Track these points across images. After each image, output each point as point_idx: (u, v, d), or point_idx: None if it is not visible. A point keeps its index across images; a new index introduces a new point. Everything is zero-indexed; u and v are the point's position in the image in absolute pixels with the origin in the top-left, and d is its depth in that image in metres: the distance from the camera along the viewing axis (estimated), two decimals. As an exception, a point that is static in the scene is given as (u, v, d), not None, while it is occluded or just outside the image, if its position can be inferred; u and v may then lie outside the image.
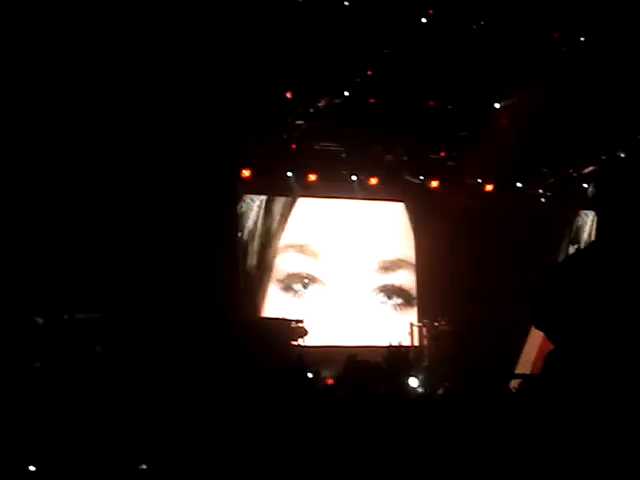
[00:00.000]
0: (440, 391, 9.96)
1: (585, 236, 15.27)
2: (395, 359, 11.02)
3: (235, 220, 12.90)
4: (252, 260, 13.19)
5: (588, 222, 15.33)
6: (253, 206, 13.19)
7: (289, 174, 13.16)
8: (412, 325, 13.29)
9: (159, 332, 10.36)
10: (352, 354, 10.38)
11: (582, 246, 15.08)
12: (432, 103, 12.43)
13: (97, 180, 10.77)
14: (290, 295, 13.41)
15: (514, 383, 8.83)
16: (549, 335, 2.82)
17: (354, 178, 13.46)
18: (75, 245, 10.67)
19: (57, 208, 10.52)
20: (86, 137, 10.61)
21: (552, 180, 14.11)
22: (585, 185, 14.03)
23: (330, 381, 9.89)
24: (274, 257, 13.34)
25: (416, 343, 13.03)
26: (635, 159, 2.83)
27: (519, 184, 14.11)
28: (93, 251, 10.74)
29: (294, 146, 12.75)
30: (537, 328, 2.89)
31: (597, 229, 2.81)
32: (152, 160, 11.08)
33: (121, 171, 10.90)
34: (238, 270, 12.77)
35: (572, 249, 15.05)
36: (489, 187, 13.92)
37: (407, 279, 13.97)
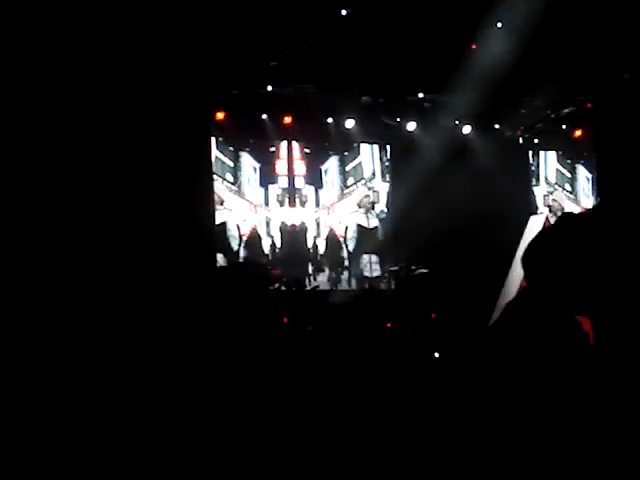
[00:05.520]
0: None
1: (545, 174, 15.19)
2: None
3: (210, 163, 12.62)
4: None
5: (551, 161, 15.26)
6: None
7: (264, 116, 12.96)
8: (388, 268, 13.24)
9: (133, 277, 10.23)
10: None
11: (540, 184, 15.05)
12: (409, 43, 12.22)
13: (68, 123, 10.48)
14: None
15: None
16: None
17: (330, 120, 13.29)
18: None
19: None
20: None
21: (530, 121, 14.01)
22: (564, 127, 13.98)
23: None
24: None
25: (392, 287, 12.99)
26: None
27: (497, 125, 14.02)
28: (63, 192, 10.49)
29: (269, 88, 12.50)
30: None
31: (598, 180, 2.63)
32: (124, 103, 10.80)
33: (92, 115, 10.62)
34: (214, 215, 12.53)
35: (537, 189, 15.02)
36: (466, 129, 13.81)
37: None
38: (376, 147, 13.89)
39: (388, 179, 13.87)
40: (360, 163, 13.73)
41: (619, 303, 2.28)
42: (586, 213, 2.57)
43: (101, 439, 6.05)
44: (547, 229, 2.54)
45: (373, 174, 13.81)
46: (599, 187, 2.96)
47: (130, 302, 9.65)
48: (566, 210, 14.89)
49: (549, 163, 15.21)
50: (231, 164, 12.93)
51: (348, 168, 13.64)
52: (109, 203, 10.45)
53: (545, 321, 2.45)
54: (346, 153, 13.63)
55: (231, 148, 12.94)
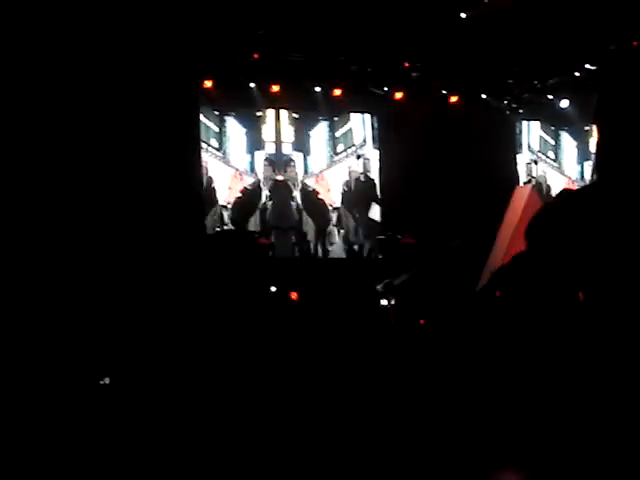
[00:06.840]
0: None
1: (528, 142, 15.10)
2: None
3: (197, 131, 12.50)
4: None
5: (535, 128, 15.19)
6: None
7: (251, 85, 12.89)
8: (375, 237, 13.27)
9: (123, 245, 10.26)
10: None
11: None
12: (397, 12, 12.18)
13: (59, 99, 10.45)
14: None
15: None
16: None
17: (318, 89, 13.24)
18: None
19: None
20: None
21: (517, 91, 14.03)
22: (550, 97, 14.01)
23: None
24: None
25: (378, 255, 13.04)
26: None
27: (484, 95, 14.02)
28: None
29: (256, 56, 12.43)
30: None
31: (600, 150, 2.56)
32: (112, 73, 10.77)
33: (83, 88, 10.58)
34: (202, 182, 12.46)
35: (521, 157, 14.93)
36: (454, 98, 13.81)
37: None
38: (367, 114, 13.67)
39: (379, 146, 13.58)
40: (350, 129, 13.36)
41: (622, 279, 2.31)
42: (588, 188, 2.58)
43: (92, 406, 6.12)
44: (552, 203, 2.54)
45: (364, 141, 13.43)
46: (600, 159, 2.92)
47: (120, 270, 9.70)
48: (550, 180, 14.97)
49: (532, 130, 15.10)
50: (216, 129, 12.60)
51: (338, 134, 13.29)
52: (99, 173, 10.48)
53: (543, 289, 2.47)
54: (336, 119, 13.27)
55: (216, 113, 12.62)
